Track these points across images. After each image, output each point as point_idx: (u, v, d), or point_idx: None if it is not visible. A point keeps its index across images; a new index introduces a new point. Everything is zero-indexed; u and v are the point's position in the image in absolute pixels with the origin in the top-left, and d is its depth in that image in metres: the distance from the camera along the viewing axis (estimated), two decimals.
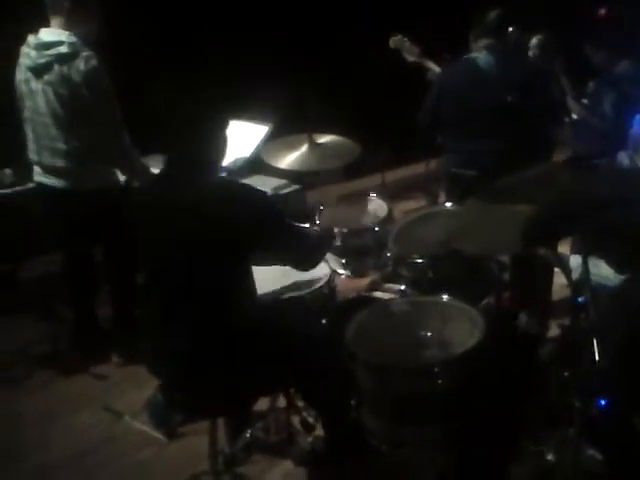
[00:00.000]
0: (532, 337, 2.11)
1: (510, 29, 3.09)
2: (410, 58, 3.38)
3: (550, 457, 1.96)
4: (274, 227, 2.03)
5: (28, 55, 2.83)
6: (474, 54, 2.85)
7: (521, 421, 2.06)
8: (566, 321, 2.14)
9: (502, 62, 2.80)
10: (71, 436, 2.75)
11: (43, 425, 2.82)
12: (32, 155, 2.98)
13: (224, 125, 2.05)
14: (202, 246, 1.93)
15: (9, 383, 3.10)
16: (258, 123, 3.10)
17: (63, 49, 2.76)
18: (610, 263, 2.07)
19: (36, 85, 2.83)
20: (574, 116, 3.23)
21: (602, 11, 3.19)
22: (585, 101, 3.21)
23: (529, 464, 1.98)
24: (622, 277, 2.05)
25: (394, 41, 3.43)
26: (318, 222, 2.64)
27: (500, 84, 2.80)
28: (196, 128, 1.99)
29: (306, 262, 2.21)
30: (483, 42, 2.82)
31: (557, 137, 2.90)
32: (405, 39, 3.40)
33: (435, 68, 3.29)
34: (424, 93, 3.04)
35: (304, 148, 2.84)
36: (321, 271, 2.52)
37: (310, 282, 2.45)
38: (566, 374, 2.01)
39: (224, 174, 2.81)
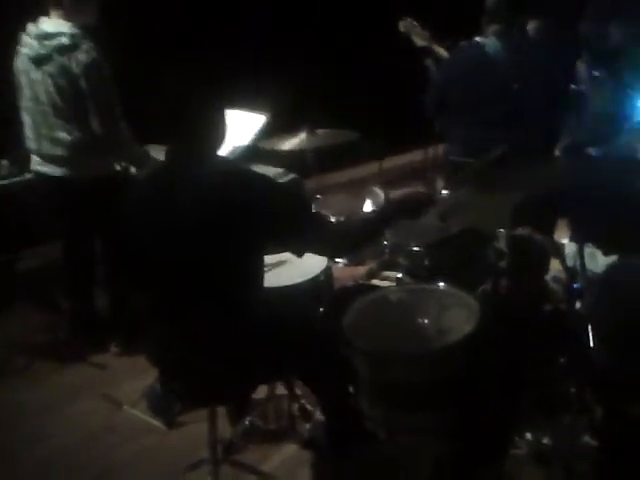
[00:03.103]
0: (528, 323, 2.12)
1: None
2: (419, 42, 3.33)
3: (546, 442, 1.97)
4: (284, 214, 1.97)
5: (29, 45, 2.83)
6: (482, 39, 2.82)
7: (518, 407, 2.07)
8: (561, 307, 2.14)
9: (511, 49, 2.76)
10: (71, 426, 2.76)
11: (43, 415, 2.83)
12: (30, 144, 2.98)
13: (223, 111, 2.03)
14: (208, 237, 1.91)
15: (8, 374, 3.11)
16: (255, 112, 3.09)
17: (64, 40, 2.76)
18: (597, 244, 2.07)
19: (36, 75, 2.83)
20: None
21: None
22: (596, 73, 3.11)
23: (526, 449, 1.99)
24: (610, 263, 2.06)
25: (404, 25, 3.39)
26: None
27: (507, 71, 2.77)
28: (196, 115, 1.97)
29: (324, 248, 2.13)
30: (492, 28, 2.79)
31: (564, 125, 2.86)
32: (415, 23, 3.37)
33: (443, 53, 3.26)
34: (423, 81, 3.02)
35: (302, 135, 2.84)
36: (318, 260, 2.53)
37: (307, 271, 2.46)
38: (562, 360, 2.02)
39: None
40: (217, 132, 2.02)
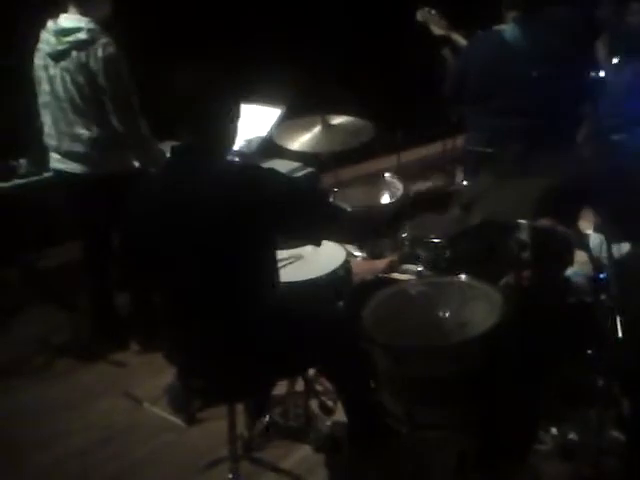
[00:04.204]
0: (552, 316, 2.07)
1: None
2: (437, 31, 3.28)
3: (572, 436, 1.92)
4: (296, 206, 1.97)
5: (47, 41, 2.84)
6: (501, 26, 2.76)
7: (543, 401, 2.02)
8: (587, 298, 2.09)
9: (530, 35, 2.69)
10: (91, 424, 2.77)
11: (63, 414, 2.83)
12: (49, 140, 2.98)
13: (235, 108, 2.01)
14: (221, 233, 1.90)
15: (28, 373, 3.13)
16: (270, 106, 3.07)
17: (81, 35, 2.76)
18: (624, 234, 2.03)
19: (54, 71, 2.84)
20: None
21: None
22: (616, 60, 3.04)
23: (551, 444, 1.94)
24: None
25: (421, 13, 3.33)
26: None
27: (526, 58, 2.70)
28: (207, 112, 1.96)
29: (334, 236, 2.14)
30: (511, 14, 2.73)
31: (584, 113, 2.78)
32: (433, 11, 3.31)
33: (462, 41, 3.21)
34: (441, 72, 2.97)
35: (317, 129, 2.81)
36: (336, 253, 2.50)
37: (325, 265, 2.43)
38: (589, 352, 1.97)
39: (237, 158, 2.79)
40: (229, 129, 2.01)
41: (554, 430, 1.94)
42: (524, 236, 2.15)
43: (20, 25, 3.10)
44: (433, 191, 2.07)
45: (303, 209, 1.99)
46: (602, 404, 1.89)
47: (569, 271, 2.17)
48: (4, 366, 3.15)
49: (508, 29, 2.76)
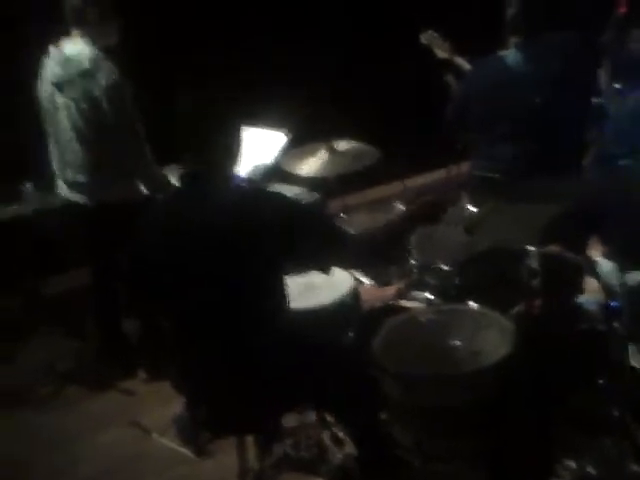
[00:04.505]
0: (564, 344, 2.06)
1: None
2: (441, 54, 3.30)
3: (590, 470, 1.90)
4: (303, 231, 1.96)
5: (52, 70, 2.85)
6: (503, 52, 2.77)
7: (556, 432, 2.00)
8: (599, 326, 2.08)
9: (532, 61, 2.70)
10: (99, 454, 2.75)
11: (70, 443, 2.81)
12: (57, 170, 3.00)
13: (238, 135, 2.02)
14: (228, 260, 1.89)
15: (35, 401, 3.11)
16: (276, 130, 3.08)
17: (85, 64, 2.78)
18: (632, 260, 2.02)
19: (59, 100, 2.85)
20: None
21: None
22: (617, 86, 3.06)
23: (568, 478, 1.92)
24: None
25: (425, 36, 3.36)
26: None
27: (529, 83, 2.70)
28: (210, 140, 1.96)
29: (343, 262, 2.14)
30: (513, 40, 2.74)
31: (590, 138, 2.79)
32: (436, 35, 3.34)
33: (465, 66, 3.22)
34: (445, 98, 2.98)
35: (323, 155, 2.82)
36: (344, 280, 2.49)
37: (333, 292, 2.42)
38: (600, 382, 1.95)
39: (245, 184, 2.80)
40: (233, 154, 2.01)
41: (572, 463, 1.91)
42: (534, 263, 2.15)
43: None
44: (427, 203, 2.07)
45: (310, 233, 1.98)
46: (619, 435, 1.87)
47: (581, 298, 2.16)
48: (11, 395, 3.14)
49: (510, 54, 2.76)
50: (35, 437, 2.87)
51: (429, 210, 2.08)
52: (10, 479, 2.65)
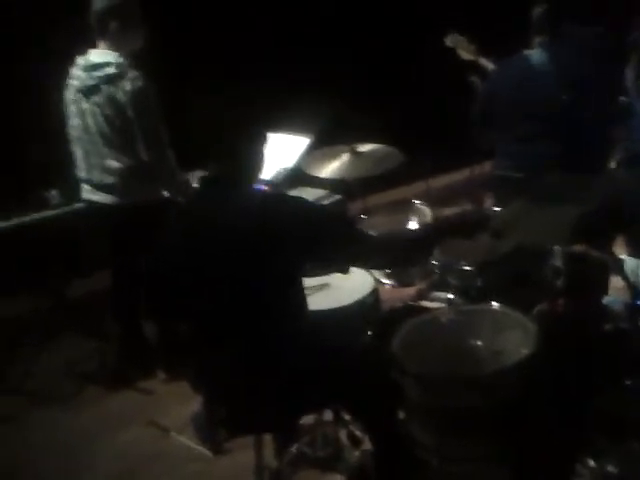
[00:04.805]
0: (589, 344, 2.01)
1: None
2: (466, 56, 3.29)
3: (611, 469, 1.84)
4: (322, 234, 1.98)
5: (77, 77, 2.91)
6: (528, 51, 2.75)
7: (579, 433, 1.95)
8: (625, 326, 2.03)
9: (557, 60, 2.67)
10: (118, 453, 2.76)
11: (90, 443, 2.83)
12: (81, 173, 3.04)
13: (261, 139, 2.03)
14: (247, 262, 1.90)
15: (56, 401, 3.13)
16: (299, 135, 3.09)
17: (110, 70, 2.82)
18: None
19: (85, 105, 2.90)
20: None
21: None
22: None
23: (589, 477, 1.86)
24: None
25: (450, 39, 3.35)
26: None
27: (554, 83, 2.67)
28: (232, 144, 1.98)
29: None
30: (538, 39, 2.71)
31: (616, 137, 2.74)
32: (461, 37, 3.32)
33: (490, 66, 3.20)
34: (468, 98, 2.96)
35: (345, 157, 2.81)
36: (365, 281, 2.47)
37: (354, 293, 2.41)
38: (628, 383, 1.90)
39: (266, 187, 2.81)
40: (256, 159, 2.02)
41: (592, 462, 1.86)
42: (558, 262, 2.10)
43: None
44: (460, 217, 2.05)
45: (330, 237, 2.00)
46: None
47: (608, 298, 2.11)
48: (32, 394, 3.17)
49: (535, 53, 2.74)
50: (55, 436, 2.90)
51: (465, 225, 2.06)
52: (30, 478, 2.65)
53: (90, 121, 2.90)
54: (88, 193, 3.06)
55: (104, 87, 2.83)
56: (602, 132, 2.71)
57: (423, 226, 2.59)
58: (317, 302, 2.31)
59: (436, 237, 2.23)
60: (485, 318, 2.11)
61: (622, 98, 2.80)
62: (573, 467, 1.91)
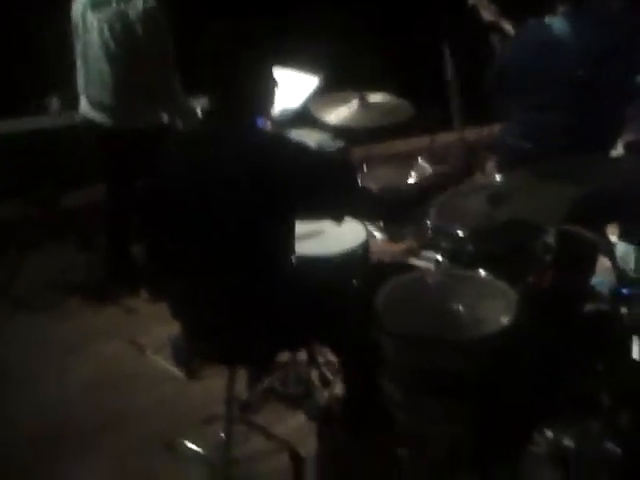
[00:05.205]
0: (568, 321, 2.04)
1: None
2: (487, 17, 3.19)
3: (567, 443, 1.90)
4: (318, 182, 1.96)
5: None
6: (550, 19, 2.66)
7: (546, 405, 2.00)
8: (604, 309, 2.05)
9: (578, 31, 2.59)
10: (94, 366, 2.80)
11: (67, 353, 2.87)
12: (82, 88, 3.00)
13: (265, 72, 1.98)
14: (244, 200, 1.89)
15: (39, 309, 3.16)
16: (308, 73, 3.02)
17: None
18: None
19: (92, 19, 2.84)
20: None
21: None
22: None
23: (544, 447, 1.92)
24: None
25: None
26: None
27: (572, 55, 2.60)
28: (240, 67, 1.93)
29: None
30: (560, 8, 2.62)
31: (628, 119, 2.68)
32: None
33: (511, 30, 3.11)
34: (486, 58, 2.89)
35: (354, 104, 2.77)
36: (357, 232, 2.47)
37: (344, 242, 2.41)
38: (599, 366, 1.93)
39: (270, 123, 2.76)
40: (263, 92, 1.98)
41: (549, 433, 1.91)
42: (549, 238, 2.11)
43: None
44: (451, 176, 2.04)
45: (328, 186, 1.99)
46: (603, 418, 1.86)
47: (594, 279, 2.12)
48: (16, 299, 3.20)
49: (557, 23, 2.64)
50: (33, 343, 2.93)
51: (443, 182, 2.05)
52: (5, 381, 2.70)
53: (95, 35, 2.84)
54: (86, 110, 3.02)
55: (115, 2, 2.78)
56: (615, 110, 2.66)
57: (417, 184, 2.58)
58: (309, 248, 2.32)
59: (425, 196, 2.21)
60: (470, 284, 2.12)
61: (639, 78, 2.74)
62: (531, 435, 1.97)
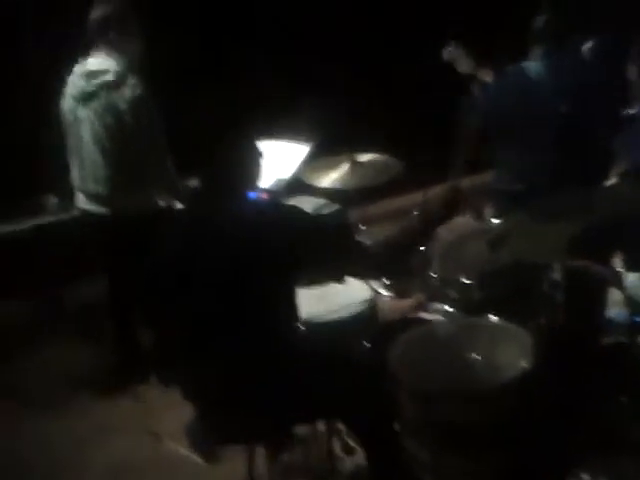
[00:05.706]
0: (586, 358, 1.99)
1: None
2: (464, 70, 3.26)
3: None
4: (316, 246, 1.97)
5: (74, 84, 2.89)
6: (526, 63, 2.73)
7: (574, 448, 1.93)
8: (622, 341, 2.01)
9: (555, 70, 2.65)
10: (111, 460, 2.73)
11: (81, 448, 2.81)
12: (76, 182, 3.03)
13: (250, 147, 2.01)
14: (240, 271, 1.90)
15: (52, 406, 3.11)
16: (297, 142, 3.07)
17: (109, 77, 2.81)
18: None
19: (81, 113, 2.88)
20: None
21: None
22: None
23: None
24: None
25: (447, 53, 3.31)
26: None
27: (552, 93, 2.66)
28: (226, 150, 1.97)
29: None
30: (537, 49, 2.70)
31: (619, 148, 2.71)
32: (459, 49, 3.27)
33: (488, 78, 3.18)
34: (467, 107, 2.95)
35: (345, 167, 2.80)
36: (362, 292, 2.45)
37: (351, 304, 2.39)
38: (623, 399, 1.88)
39: (265, 196, 2.79)
40: (251, 168, 2.01)
41: (585, 476, 1.84)
42: (557, 276, 2.09)
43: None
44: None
45: (326, 248, 1.99)
46: (636, 453, 1.79)
47: (608, 311, 2.09)
48: (25, 398, 3.15)
49: (532, 65, 2.72)
50: (46, 440, 2.87)
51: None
52: None
53: (86, 129, 2.87)
54: (83, 202, 3.05)
55: (103, 94, 2.81)
56: (603, 144, 2.69)
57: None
58: (314, 313, 2.29)
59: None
60: (483, 332, 2.10)
61: (627, 110, 2.78)
62: None
